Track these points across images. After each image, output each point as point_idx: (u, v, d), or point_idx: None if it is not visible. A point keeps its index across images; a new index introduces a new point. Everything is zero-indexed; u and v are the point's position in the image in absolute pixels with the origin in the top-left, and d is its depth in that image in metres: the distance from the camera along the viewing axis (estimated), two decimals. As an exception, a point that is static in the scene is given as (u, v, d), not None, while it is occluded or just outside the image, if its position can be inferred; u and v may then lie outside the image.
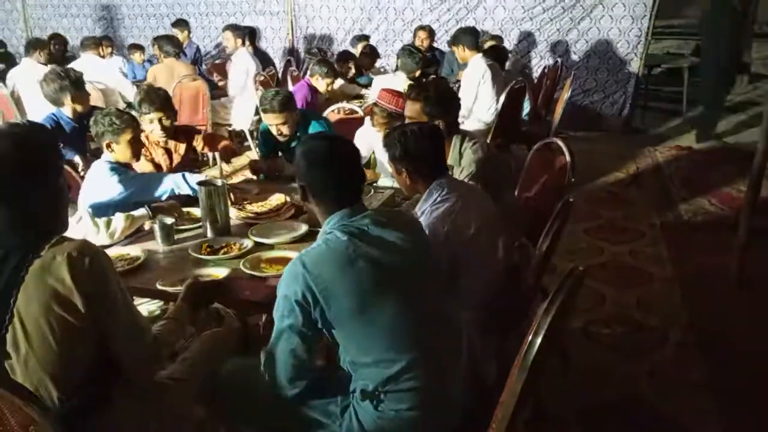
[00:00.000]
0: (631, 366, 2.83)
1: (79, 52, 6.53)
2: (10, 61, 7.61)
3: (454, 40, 5.14)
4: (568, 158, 2.58)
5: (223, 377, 1.83)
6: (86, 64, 6.00)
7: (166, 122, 3.24)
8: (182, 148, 3.42)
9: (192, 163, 3.58)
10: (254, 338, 2.17)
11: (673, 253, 3.98)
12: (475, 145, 2.74)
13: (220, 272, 2.15)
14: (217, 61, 8.09)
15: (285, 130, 3.39)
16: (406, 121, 2.80)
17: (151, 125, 3.22)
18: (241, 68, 6.28)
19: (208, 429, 1.88)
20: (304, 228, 2.47)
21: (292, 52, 8.20)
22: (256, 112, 6.14)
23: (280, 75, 6.90)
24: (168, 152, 3.37)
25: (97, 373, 1.50)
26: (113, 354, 1.52)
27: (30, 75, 5.69)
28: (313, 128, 3.53)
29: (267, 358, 1.65)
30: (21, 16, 9.34)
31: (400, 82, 4.58)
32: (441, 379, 1.65)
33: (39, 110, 5.68)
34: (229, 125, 6.32)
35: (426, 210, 2.13)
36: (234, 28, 6.57)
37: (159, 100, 3.19)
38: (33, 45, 6.03)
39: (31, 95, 5.66)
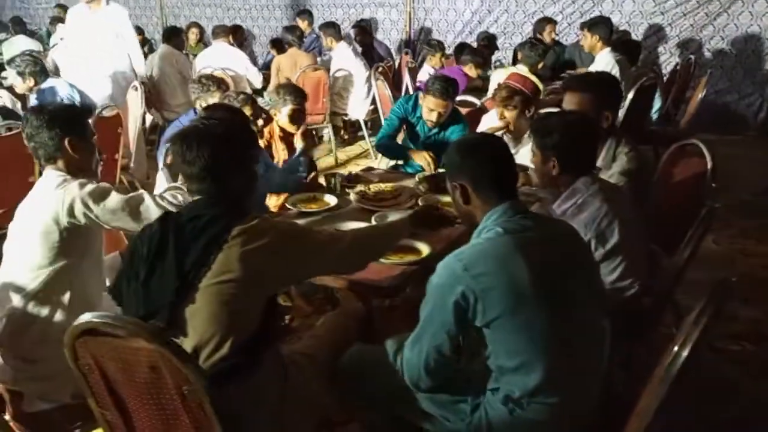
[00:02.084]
0: (762, 385, 2.63)
1: (211, 40, 6.89)
2: (149, 46, 8.16)
3: (589, 27, 4.94)
4: (709, 162, 2.43)
5: (347, 361, 1.88)
6: (217, 52, 6.34)
7: (301, 113, 3.33)
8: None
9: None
10: (376, 324, 2.21)
11: (814, 269, 3.66)
12: (631, 152, 2.52)
13: None
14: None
15: (437, 118, 3.39)
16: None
17: (285, 115, 3.30)
18: (341, 61, 6.28)
19: (331, 409, 1.94)
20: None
21: (409, 43, 8.25)
22: (372, 102, 6.26)
23: (397, 66, 6.96)
24: (290, 146, 3.47)
25: (254, 338, 1.59)
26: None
27: (167, 61, 6.10)
28: (454, 117, 3.53)
29: (406, 347, 1.66)
30: (157, 4, 9.98)
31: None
32: (582, 391, 1.62)
33: (173, 95, 6.10)
34: (345, 114, 6.47)
35: (568, 210, 2.05)
36: (327, 27, 6.59)
37: (298, 90, 3.32)
38: (171, 32, 6.44)
39: (168, 80, 6.07)
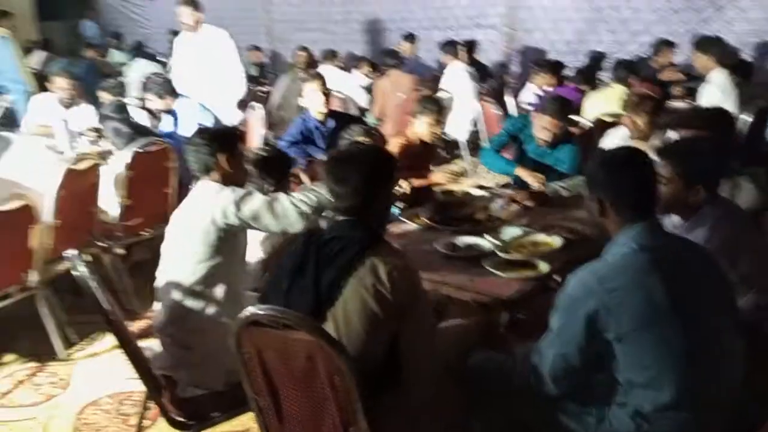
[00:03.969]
0: None
1: (319, 63, 7.24)
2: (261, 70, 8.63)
3: (699, 47, 4.83)
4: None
5: (474, 362, 1.97)
6: (325, 75, 6.64)
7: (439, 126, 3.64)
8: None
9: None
10: (496, 335, 2.30)
11: None
12: (753, 179, 2.51)
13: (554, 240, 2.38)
14: (435, 74, 8.46)
15: (549, 137, 3.42)
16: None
17: (425, 123, 3.58)
18: (453, 81, 6.49)
19: (455, 415, 2.02)
20: (558, 241, 2.52)
21: (508, 64, 8.30)
22: (474, 124, 6.37)
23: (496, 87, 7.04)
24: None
25: (391, 357, 1.72)
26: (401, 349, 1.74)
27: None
28: (565, 137, 3.54)
29: (535, 353, 1.72)
30: (266, 30, 10.55)
31: (616, 96, 4.47)
32: (713, 409, 1.63)
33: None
34: (445, 134, 6.60)
35: (699, 236, 1.99)
36: (447, 45, 6.81)
37: (437, 105, 3.62)
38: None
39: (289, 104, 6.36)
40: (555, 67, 6.17)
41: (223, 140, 2.36)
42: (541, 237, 2.53)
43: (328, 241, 1.73)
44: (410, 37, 7.84)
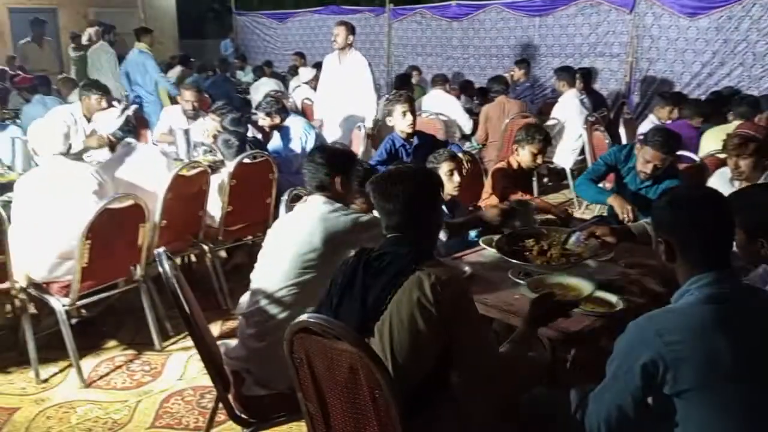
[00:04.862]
0: None
1: (429, 88, 7.36)
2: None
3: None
4: None
5: (527, 401, 1.92)
6: (433, 98, 6.76)
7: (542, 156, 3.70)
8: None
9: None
10: (561, 371, 2.22)
11: None
12: None
13: (585, 286, 2.28)
14: (548, 101, 8.31)
15: (651, 170, 3.26)
16: None
17: (529, 152, 3.64)
18: (564, 109, 6.39)
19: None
20: (588, 288, 2.35)
21: (627, 94, 7.99)
22: (581, 153, 6.18)
23: (611, 117, 6.81)
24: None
25: (437, 365, 1.72)
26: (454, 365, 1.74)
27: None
28: (671, 172, 3.39)
29: (591, 400, 1.65)
30: (386, 53, 10.87)
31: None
32: None
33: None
34: (551, 163, 6.46)
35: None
36: (561, 72, 6.72)
37: (543, 134, 3.66)
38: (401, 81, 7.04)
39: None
40: (678, 100, 5.86)
41: (341, 162, 2.49)
42: (574, 281, 2.38)
43: (377, 256, 1.77)
44: (523, 63, 7.77)
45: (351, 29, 5.72)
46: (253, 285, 2.42)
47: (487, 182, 3.87)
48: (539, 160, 3.69)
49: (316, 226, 2.32)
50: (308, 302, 2.20)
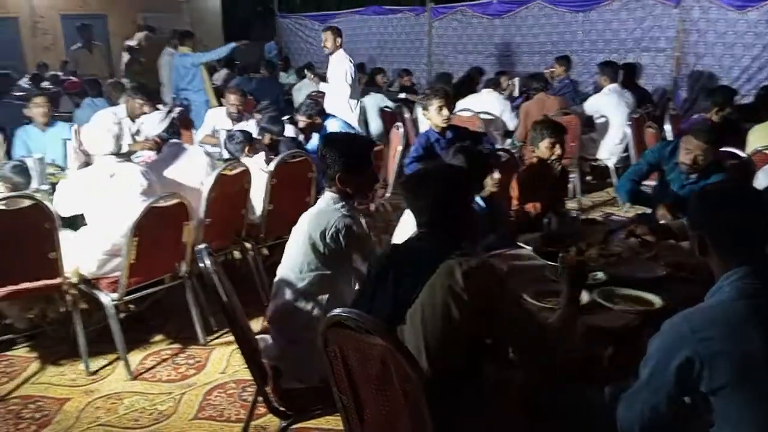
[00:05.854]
0: None
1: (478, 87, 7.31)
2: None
3: None
4: None
5: (562, 400, 1.91)
6: (481, 100, 6.67)
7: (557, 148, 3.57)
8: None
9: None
10: (598, 368, 2.20)
11: None
12: None
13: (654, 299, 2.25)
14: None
15: (692, 161, 3.15)
16: None
17: (545, 148, 3.55)
18: (600, 103, 6.30)
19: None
20: (662, 273, 2.38)
21: (674, 90, 7.80)
22: (625, 149, 6.07)
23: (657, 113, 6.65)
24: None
25: (469, 355, 1.75)
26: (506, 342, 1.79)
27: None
28: (718, 167, 3.27)
29: (624, 399, 1.64)
30: (426, 51, 10.86)
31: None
32: None
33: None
34: (595, 159, 6.37)
35: None
36: (604, 66, 6.57)
37: (554, 125, 3.60)
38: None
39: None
40: (727, 95, 5.68)
41: (335, 158, 2.42)
42: (644, 294, 2.32)
43: (409, 249, 1.81)
44: (563, 59, 7.64)
45: (337, 32, 6.23)
46: (278, 277, 2.50)
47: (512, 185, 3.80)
48: (558, 150, 3.54)
49: (313, 220, 2.38)
50: (324, 293, 2.31)
